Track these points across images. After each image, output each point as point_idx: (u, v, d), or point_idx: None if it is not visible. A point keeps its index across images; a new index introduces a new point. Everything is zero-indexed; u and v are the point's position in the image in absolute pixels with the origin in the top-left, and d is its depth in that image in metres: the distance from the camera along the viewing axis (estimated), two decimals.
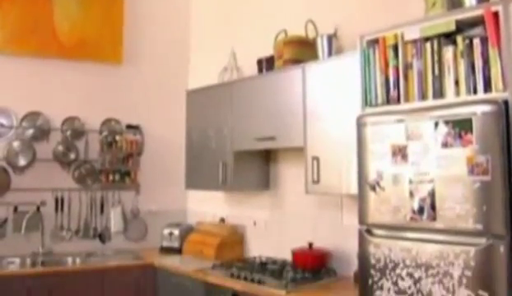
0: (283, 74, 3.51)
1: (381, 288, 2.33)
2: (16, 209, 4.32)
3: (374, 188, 2.39)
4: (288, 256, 3.62)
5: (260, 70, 3.93)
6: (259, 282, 3.23)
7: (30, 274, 3.86)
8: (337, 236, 3.46)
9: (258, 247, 4.13)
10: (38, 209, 4.38)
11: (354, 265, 3.14)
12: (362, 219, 2.46)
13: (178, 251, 4.46)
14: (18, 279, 3.74)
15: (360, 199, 2.47)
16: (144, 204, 4.85)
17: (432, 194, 2.17)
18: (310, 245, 3.51)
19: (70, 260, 4.28)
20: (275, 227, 4.02)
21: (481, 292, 1.99)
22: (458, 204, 2.08)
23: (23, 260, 4.18)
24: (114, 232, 4.67)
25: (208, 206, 4.71)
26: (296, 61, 3.46)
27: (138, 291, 4.08)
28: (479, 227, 2.02)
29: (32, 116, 4.49)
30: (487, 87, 2.15)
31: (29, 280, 3.74)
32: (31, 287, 3.71)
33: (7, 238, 4.27)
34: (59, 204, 4.51)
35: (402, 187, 2.28)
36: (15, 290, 3.68)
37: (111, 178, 4.68)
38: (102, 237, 4.65)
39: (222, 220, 4.46)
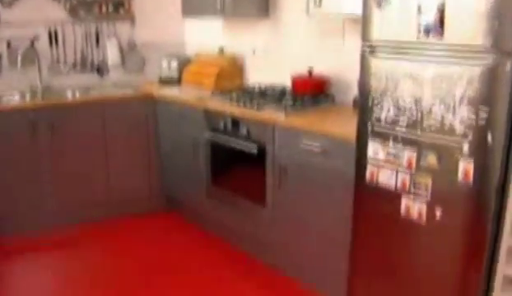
0: None
1: (381, 108, 2.30)
2: (9, 44, 4.21)
3: (379, 4, 2.24)
4: (287, 83, 3.59)
5: None
6: (258, 107, 3.24)
7: (31, 107, 3.86)
8: (338, 63, 3.38)
9: (258, 76, 4.08)
10: (32, 44, 4.26)
11: (353, 92, 3.12)
12: (365, 37, 2.34)
13: (177, 81, 4.45)
14: (20, 113, 3.76)
15: (365, 17, 2.32)
16: (140, 36, 4.70)
17: (442, 9, 2.03)
18: (310, 73, 3.45)
19: (69, 93, 4.27)
20: (274, 54, 3.93)
21: (481, 106, 1.96)
22: (469, 19, 1.95)
23: (22, 94, 4.18)
24: (111, 65, 4.61)
25: (206, 37, 4.57)
26: None
27: (139, 121, 4.14)
28: (488, 43, 1.92)
29: None
30: None
31: (31, 113, 3.77)
32: (33, 120, 3.76)
33: (4, 74, 4.24)
34: (53, 38, 4.38)
35: (409, 1, 2.13)
36: (17, 124, 3.73)
37: (104, 9, 4.49)
38: (100, 70, 4.60)
39: (221, 50, 4.35)
